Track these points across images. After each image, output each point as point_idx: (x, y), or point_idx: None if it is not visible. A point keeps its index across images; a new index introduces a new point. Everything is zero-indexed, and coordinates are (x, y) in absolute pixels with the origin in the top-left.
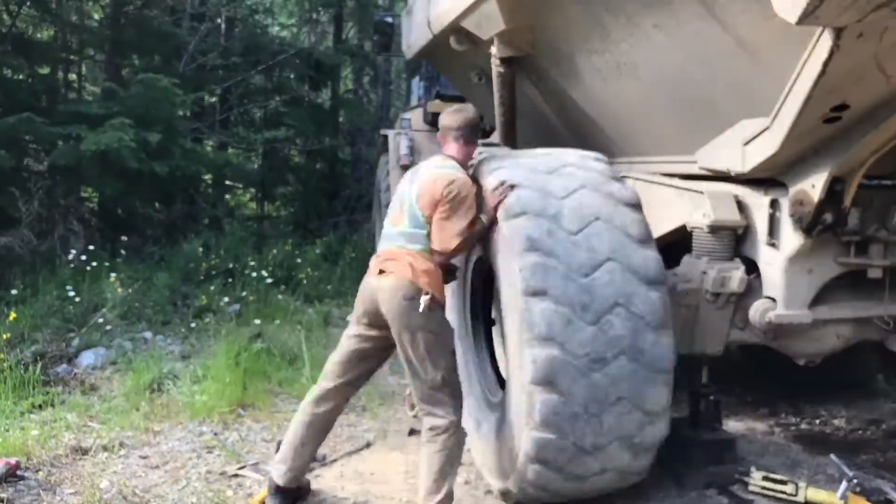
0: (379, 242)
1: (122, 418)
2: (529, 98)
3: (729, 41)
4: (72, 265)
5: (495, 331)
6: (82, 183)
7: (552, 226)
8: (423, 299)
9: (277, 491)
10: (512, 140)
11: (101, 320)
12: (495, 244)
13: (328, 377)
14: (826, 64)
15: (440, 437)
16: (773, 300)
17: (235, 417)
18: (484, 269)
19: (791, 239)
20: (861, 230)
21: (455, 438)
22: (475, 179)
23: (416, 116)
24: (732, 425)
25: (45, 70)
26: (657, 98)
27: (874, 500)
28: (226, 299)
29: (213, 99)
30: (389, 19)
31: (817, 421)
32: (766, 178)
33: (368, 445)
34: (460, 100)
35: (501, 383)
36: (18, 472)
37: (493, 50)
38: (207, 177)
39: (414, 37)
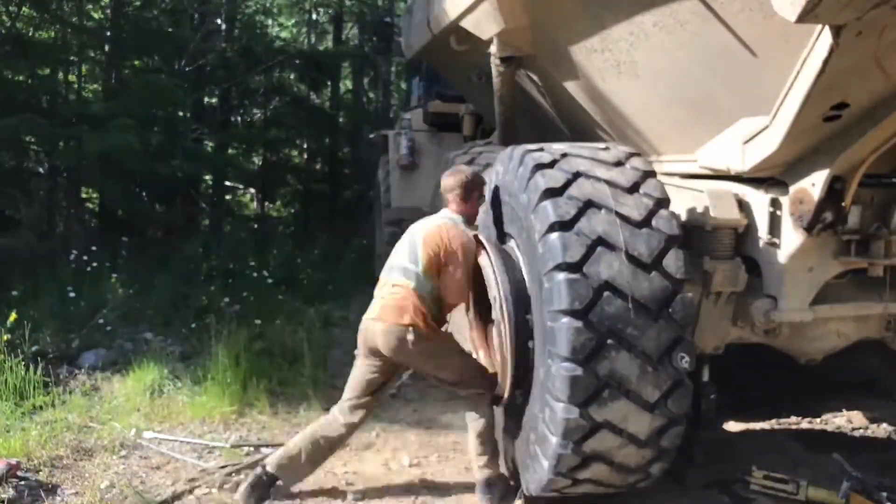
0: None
1: (122, 419)
2: (529, 97)
3: (729, 40)
4: (72, 266)
5: None
6: (83, 184)
7: None
8: (408, 338)
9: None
10: (512, 140)
11: (101, 321)
12: None
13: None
14: (826, 62)
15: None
16: (774, 299)
17: (236, 418)
18: None
19: (791, 237)
20: (861, 228)
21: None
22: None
23: (416, 116)
24: (733, 425)
25: (45, 71)
26: (657, 97)
27: (875, 500)
28: (226, 300)
29: (214, 99)
30: (389, 19)
31: (818, 420)
32: (767, 177)
33: (370, 446)
34: (460, 100)
35: None
36: (19, 473)
37: (493, 49)
38: (208, 177)
39: (414, 37)
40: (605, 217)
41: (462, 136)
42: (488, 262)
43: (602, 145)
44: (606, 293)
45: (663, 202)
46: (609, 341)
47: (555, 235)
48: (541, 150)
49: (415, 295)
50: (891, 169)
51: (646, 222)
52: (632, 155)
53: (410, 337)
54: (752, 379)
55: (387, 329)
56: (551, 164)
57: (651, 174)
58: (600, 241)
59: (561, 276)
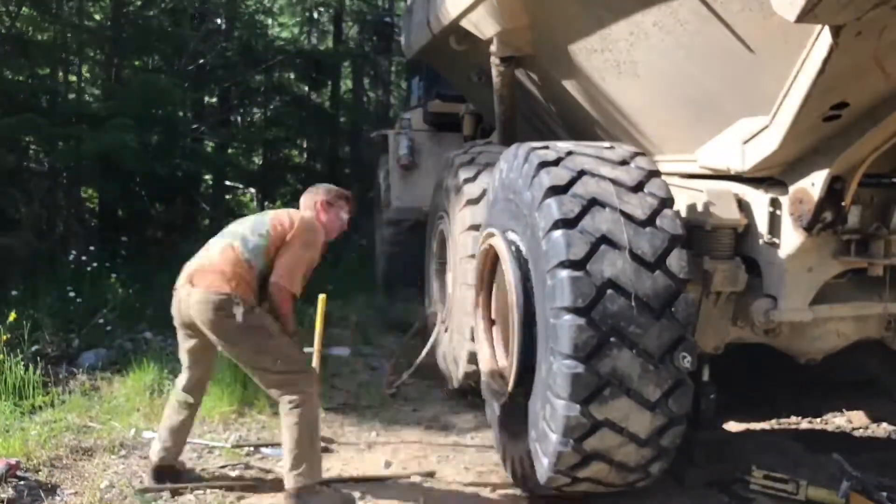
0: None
1: (122, 419)
2: (529, 97)
3: (728, 39)
4: (72, 266)
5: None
6: (83, 184)
7: None
8: (234, 310)
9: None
10: (511, 139)
11: (101, 321)
12: None
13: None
14: (825, 62)
15: (297, 410)
16: (774, 298)
17: (236, 418)
18: None
19: (791, 237)
20: (861, 228)
21: (310, 408)
22: None
23: (416, 116)
24: (733, 424)
25: (45, 71)
26: (657, 97)
27: (875, 499)
28: None
29: (213, 99)
30: (389, 19)
31: (818, 420)
32: (766, 177)
33: (370, 446)
34: (460, 100)
35: None
36: (19, 473)
37: (493, 49)
38: (208, 177)
39: (414, 37)
40: (610, 215)
41: (462, 136)
42: (509, 266)
43: (607, 144)
44: (609, 291)
45: (667, 202)
46: (611, 339)
47: (558, 233)
48: (546, 147)
49: (245, 265)
50: (891, 169)
51: (650, 221)
52: (637, 154)
53: (237, 309)
54: (752, 379)
55: (203, 297)
56: (556, 162)
57: (656, 173)
58: (604, 240)
59: (564, 273)
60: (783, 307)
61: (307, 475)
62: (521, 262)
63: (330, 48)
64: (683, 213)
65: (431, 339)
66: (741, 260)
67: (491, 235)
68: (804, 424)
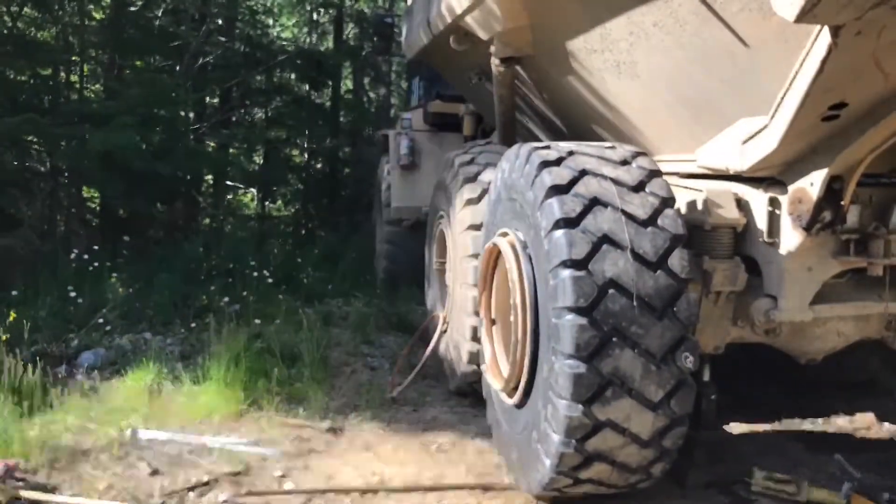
0: None
1: (121, 419)
2: (529, 97)
3: (728, 39)
4: (73, 266)
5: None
6: (84, 183)
7: None
8: None
9: None
10: (511, 139)
11: (101, 321)
12: None
13: None
14: (824, 62)
15: None
16: (774, 298)
17: (236, 418)
18: None
19: (790, 237)
20: (860, 228)
21: None
22: None
23: (416, 116)
24: (734, 425)
25: (46, 71)
26: (656, 97)
27: (876, 501)
28: (226, 299)
29: (215, 99)
30: (389, 20)
31: (819, 420)
32: (766, 177)
33: (370, 446)
34: (460, 100)
35: None
36: (17, 474)
37: (493, 49)
38: (209, 177)
39: (414, 37)
40: (611, 215)
41: (462, 136)
42: (514, 266)
43: (608, 144)
44: (611, 291)
45: (669, 201)
46: (613, 339)
47: (560, 232)
48: (547, 147)
49: None
50: (889, 168)
51: (651, 221)
52: (638, 154)
53: None
54: (752, 379)
55: None
56: (558, 162)
57: (657, 173)
58: (606, 239)
59: (566, 272)
60: (783, 307)
61: None
62: (531, 263)
63: (331, 48)
64: (683, 213)
65: (433, 340)
66: (741, 259)
67: (504, 235)
68: (805, 425)
